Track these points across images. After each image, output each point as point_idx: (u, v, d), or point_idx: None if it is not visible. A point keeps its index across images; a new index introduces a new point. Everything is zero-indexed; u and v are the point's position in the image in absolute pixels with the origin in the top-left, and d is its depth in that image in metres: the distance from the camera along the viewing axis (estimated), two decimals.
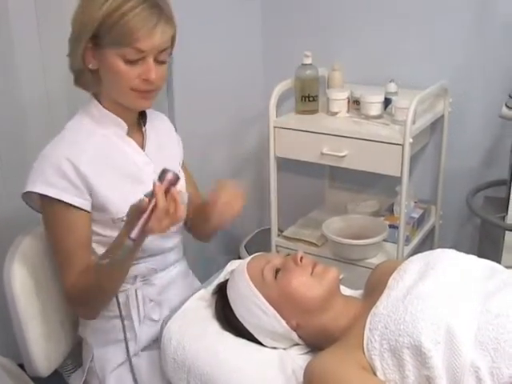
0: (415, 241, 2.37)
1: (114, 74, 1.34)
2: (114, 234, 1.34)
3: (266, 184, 2.41)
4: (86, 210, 1.37)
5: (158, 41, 1.32)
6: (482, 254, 1.45)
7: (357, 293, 1.54)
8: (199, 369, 1.29)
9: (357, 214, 2.45)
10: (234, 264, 1.64)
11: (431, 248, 2.49)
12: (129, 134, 1.46)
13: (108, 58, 1.34)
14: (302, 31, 2.58)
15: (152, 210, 1.18)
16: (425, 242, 2.51)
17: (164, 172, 1.21)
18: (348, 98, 2.27)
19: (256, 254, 1.48)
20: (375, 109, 2.17)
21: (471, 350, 1.11)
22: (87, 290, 1.34)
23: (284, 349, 1.34)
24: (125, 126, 1.44)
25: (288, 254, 1.39)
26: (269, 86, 2.30)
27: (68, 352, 1.58)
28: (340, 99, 2.23)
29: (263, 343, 1.35)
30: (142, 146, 1.48)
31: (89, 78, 1.38)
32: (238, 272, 1.39)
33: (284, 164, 2.42)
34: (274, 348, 1.35)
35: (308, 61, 2.25)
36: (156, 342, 1.47)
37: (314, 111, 2.30)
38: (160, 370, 1.40)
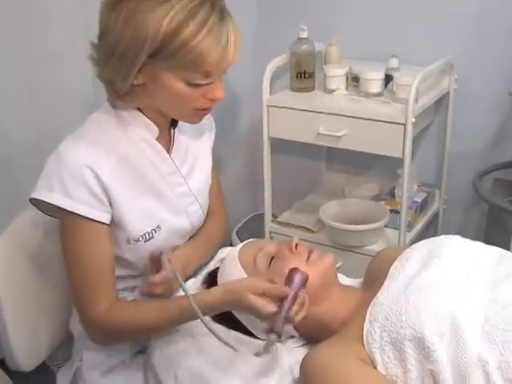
0: (418, 227, 2.36)
1: (174, 96, 1.26)
2: (125, 255, 1.34)
3: (259, 167, 2.40)
4: (107, 224, 1.32)
5: (232, 59, 1.23)
6: (489, 241, 1.45)
7: (356, 282, 1.54)
8: (187, 364, 1.29)
9: (356, 197, 2.43)
10: (224, 251, 1.62)
11: (435, 234, 2.45)
12: (158, 137, 1.40)
13: (165, 80, 1.24)
14: (297, 3, 2.55)
15: (294, 299, 1.17)
16: (428, 228, 2.51)
17: (293, 272, 1.21)
18: (346, 75, 2.26)
19: (248, 240, 1.48)
20: (375, 86, 2.16)
21: (478, 342, 1.11)
22: (128, 324, 1.31)
23: (279, 341, 1.31)
24: (156, 131, 1.37)
25: (282, 241, 1.40)
26: (262, 61, 2.28)
27: (57, 345, 1.58)
28: (338, 76, 2.22)
29: (257, 335, 1.35)
30: (169, 150, 1.42)
31: (129, 91, 1.29)
32: (228, 260, 1.38)
33: (278, 145, 2.41)
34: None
35: (304, 35, 2.24)
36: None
37: (310, 88, 2.29)
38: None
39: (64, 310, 1.55)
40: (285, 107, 2.19)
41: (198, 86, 1.25)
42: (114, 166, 1.30)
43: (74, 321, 1.51)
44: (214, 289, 1.24)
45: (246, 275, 1.31)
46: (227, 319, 1.35)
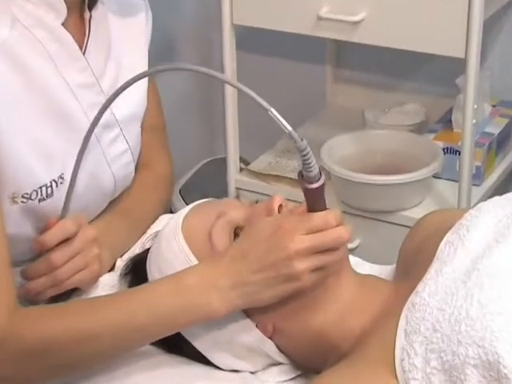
0: (493, 177, 2.22)
1: None
2: (7, 227, 1.29)
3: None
4: None
5: None
6: None
7: (383, 270, 1.49)
8: None
9: (384, 128, 2.28)
10: (160, 222, 1.59)
11: None
12: (64, 23, 1.41)
13: None
14: None
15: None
16: (510, 180, 2.38)
17: None
18: None
19: (199, 201, 1.42)
20: None
21: None
22: (64, 347, 1.24)
23: (252, 372, 1.30)
24: (63, 11, 1.38)
25: (256, 201, 1.38)
26: None
27: None
28: None
29: (215, 363, 1.29)
30: (82, 46, 1.43)
31: None
32: (166, 235, 1.33)
33: (249, 40, 2.41)
34: (234, 371, 1.30)
35: None
36: None
37: None
38: None
39: None
40: None
41: None
42: None
43: None
44: (211, 261, 1.24)
45: (194, 261, 1.25)
46: (164, 337, 1.27)
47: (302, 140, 1.14)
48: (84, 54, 1.42)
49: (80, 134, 1.37)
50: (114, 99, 1.31)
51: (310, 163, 1.15)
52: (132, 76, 1.43)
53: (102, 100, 1.40)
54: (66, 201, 1.38)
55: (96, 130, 1.38)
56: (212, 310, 1.20)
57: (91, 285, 1.44)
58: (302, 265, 1.17)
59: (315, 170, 1.17)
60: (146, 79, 1.55)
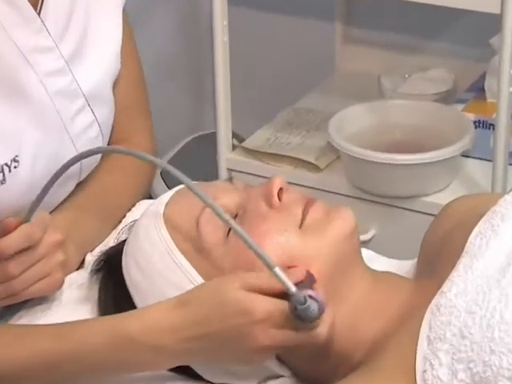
0: None
1: None
2: None
3: (205, 36, 2.38)
4: None
5: None
6: None
7: (402, 266, 1.47)
8: None
9: (403, 98, 2.24)
10: (138, 209, 1.58)
11: None
12: None
13: None
14: None
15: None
16: None
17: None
18: None
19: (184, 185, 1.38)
20: None
21: None
22: None
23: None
24: None
25: (255, 185, 1.37)
26: None
27: None
28: None
29: (204, 376, 1.26)
30: (36, 6, 1.41)
31: None
32: (145, 224, 1.31)
33: None
34: None
35: None
36: None
37: None
38: None
39: None
40: None
41: None
42: None
43: None
44: (151, 307, 1.21)
45: (178, 254, 1.24)
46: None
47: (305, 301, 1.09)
48: (39, 14, 1.38)
49: (36, 106, 1.36)
50: (44, 197, 1.30)
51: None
52: (102, 38, 1.47)
53: (62, 66, 1.39)
54: (33, 204, 1.33)
55: (55, 102, 1.37)
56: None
57: (53, 293, 1.41)
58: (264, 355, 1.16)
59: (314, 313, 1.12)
60: (119, 38, 1.51)
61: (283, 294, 1.12)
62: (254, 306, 1.12)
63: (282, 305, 1.13)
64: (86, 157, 1.35)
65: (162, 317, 1.17)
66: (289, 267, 1.18)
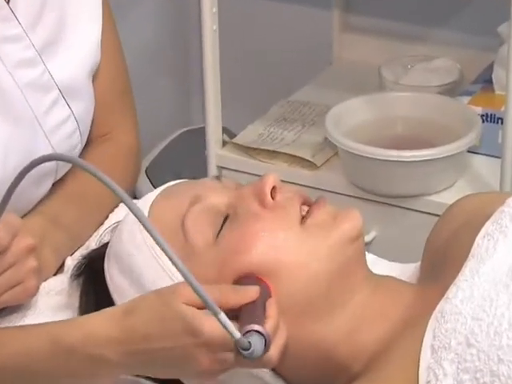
0: None
1: None
2: None
3: (193, 25, 2.43)
4: None
5: None
6: None
7: (405, 270, 1.45)
8: None
9: (405, 90, 2.24)
10: (121, 210, 1.58)
11: None
12: None
13: None
14: None
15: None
16: None
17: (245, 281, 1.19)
18: None
19: (170, 183, 1.37)
20: None
21: None
22: None
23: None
24: None
25: (247, 183, 1.35)
26: None
27: None
28: None
29: None
30: None
31: None
32: (129, 226, 1.28)
33: None
34: None
35: None
36: None
37: None
38: None
39: None
40: None
41: None
42: None
43: None
44: (94, 316, 1.17)
45: (163, 257, 1.19)
46: None
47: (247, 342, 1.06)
48: (8, 2, 1.37)
49: (4, 99, 1.35)
50: (8, 200, 1.18)
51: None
52: (81, 27, 1.47)
53: (33, 56, 1.39)
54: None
55: (26, 94, 1.37)
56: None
57: (27, 301, 1.39)
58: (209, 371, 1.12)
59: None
60: (99, 27, 1.52)
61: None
62: (202, 329, 1.09)
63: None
64: (36, 165, 1.31)
65: (103, 328, 1.14)
66: (257, 278, 1.12)
